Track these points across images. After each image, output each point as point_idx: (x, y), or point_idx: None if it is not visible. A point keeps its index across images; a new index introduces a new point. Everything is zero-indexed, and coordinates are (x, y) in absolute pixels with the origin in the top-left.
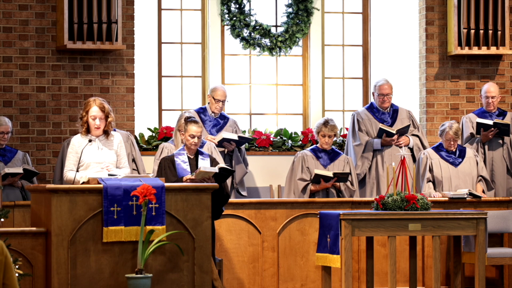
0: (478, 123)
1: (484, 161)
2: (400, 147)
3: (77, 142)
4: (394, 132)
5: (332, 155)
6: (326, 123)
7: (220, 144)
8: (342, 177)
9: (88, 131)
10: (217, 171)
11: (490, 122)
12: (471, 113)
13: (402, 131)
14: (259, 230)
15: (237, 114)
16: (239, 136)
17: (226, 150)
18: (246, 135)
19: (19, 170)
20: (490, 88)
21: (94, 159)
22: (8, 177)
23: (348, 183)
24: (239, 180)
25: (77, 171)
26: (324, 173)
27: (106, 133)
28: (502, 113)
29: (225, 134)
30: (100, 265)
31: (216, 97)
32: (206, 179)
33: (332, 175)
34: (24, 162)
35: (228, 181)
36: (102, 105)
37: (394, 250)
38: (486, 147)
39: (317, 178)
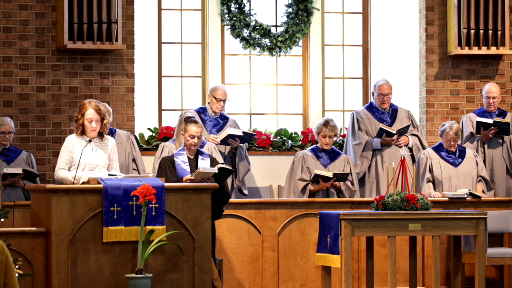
0: (478, 122)
1: (484, 161)
2: (400, 147)
3: (72, 141)
4: (394, 132)
5: (332, 155)
6: (326, 123)
7: (224, 141)
8: (341, 177)
9: (83, 133)
10: (216, 171)
11: (490, 121)
12: (471, 113)
13: (402, 131)
14: (259, 230)
15: (237, 114)
16: (243, 132)
17: (226, 152)
18: None
19: (19, 170)
20: (491, 88)
21: (88, 160)
22: (8, 177)
23: (349, 183)
24: (242, 177)
25: (69, 170)
26: (324, 173)
27: (100, 135)
28: (502, 113)
29: (230, 130)
30: (100, 265)
31: (217, 96)
32: (206, 179)
33: (331, 176)
34: (27, 162)
35: (229, 181)
36: (98, 107)
37: (394, 250)
38: (486, 146)
39: (316, 178)
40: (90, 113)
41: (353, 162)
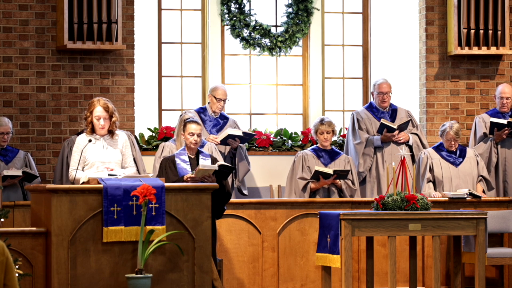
0: (492, 123)
1: (497, 161)
2: (400, 144)
3: (82, 141)
4: (395, 127)
5: (333, 155)
6: (322, 120)
7: (224, 141)
8: (342, 174)
9: (93, 131)
10: (216, 168)
11: (504, 121)
12: (484, 113)
13: (403, 127)
14: (259, 230)
15: (237, 114)
16: (243, 132)
17: (226, 152)
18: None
19: (19, 172)
20: (505, 89)
21: (99, 158)
22: (7, 179)
23: (349, 182)
24: (242, 177)
25: (82, 170)
26: (324, 169)
27: (110, 132)
28: None
29: (230, 130)
30: (100, 265)
31: (217, 96)
32: (206, 177)
33: (332, 172)
34: (25, 162)
35: (229, 181)
36: (106, 105)
37: (394, 250)
38: (499, 147)
39: (316, 175)
40: (98, 110)
41: (356, 162)
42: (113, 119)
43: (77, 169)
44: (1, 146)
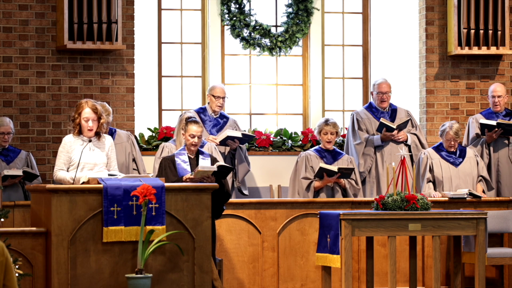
0: (481, 124)
1: (489, 162)
2: (399, 142)
3: (69, 141)
4: (395, 127)
5: (335, 155)
6: (327, 121)
7: (223, 142)
8: (346, 172)
9: (80, 132)
10: (215, 169)
11: (493, 122)
12: (478, 114)
13: (402, 126)
14: (259, 230)
15: (237, 114)
16: (242, 134)
17: (226, 152)
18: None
19: (19, 172)
20: (496, 88)
21: (85, 159)
22: (8, 179)
23: (353, 182)
24: (242, 178)
25: (67, 170)
26: (329, 167)
27: (97, 134)
28: (509, 114)
29: (229, 132)
30: (100, 265)
31: (215, 94)
32: (205, 177)
33: (336, 170)
34: (27, 162)
35: (229, 181)
36: (95, 106)
37: (394, 250)
38: (491, 148)
39: (320, 173)
40: (86, 112)
41: (356, 162)
42: (101, 121)
43: (66, 170)
44: (2, 146)
